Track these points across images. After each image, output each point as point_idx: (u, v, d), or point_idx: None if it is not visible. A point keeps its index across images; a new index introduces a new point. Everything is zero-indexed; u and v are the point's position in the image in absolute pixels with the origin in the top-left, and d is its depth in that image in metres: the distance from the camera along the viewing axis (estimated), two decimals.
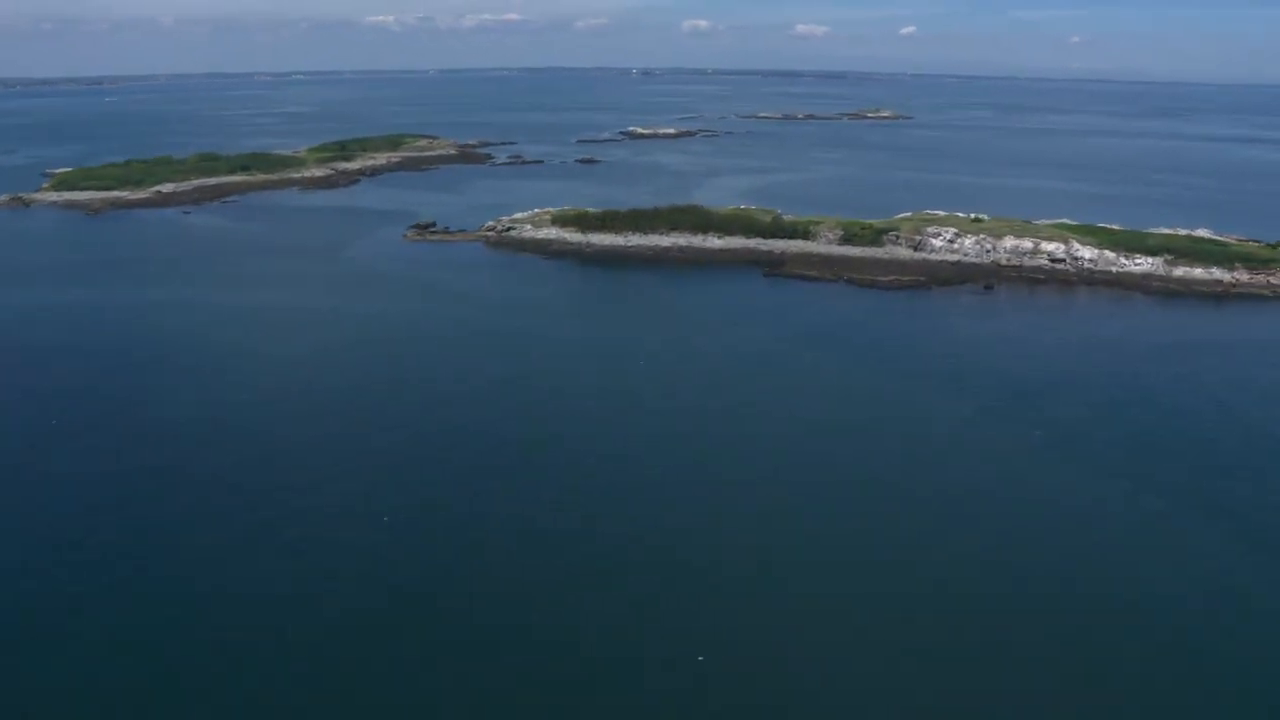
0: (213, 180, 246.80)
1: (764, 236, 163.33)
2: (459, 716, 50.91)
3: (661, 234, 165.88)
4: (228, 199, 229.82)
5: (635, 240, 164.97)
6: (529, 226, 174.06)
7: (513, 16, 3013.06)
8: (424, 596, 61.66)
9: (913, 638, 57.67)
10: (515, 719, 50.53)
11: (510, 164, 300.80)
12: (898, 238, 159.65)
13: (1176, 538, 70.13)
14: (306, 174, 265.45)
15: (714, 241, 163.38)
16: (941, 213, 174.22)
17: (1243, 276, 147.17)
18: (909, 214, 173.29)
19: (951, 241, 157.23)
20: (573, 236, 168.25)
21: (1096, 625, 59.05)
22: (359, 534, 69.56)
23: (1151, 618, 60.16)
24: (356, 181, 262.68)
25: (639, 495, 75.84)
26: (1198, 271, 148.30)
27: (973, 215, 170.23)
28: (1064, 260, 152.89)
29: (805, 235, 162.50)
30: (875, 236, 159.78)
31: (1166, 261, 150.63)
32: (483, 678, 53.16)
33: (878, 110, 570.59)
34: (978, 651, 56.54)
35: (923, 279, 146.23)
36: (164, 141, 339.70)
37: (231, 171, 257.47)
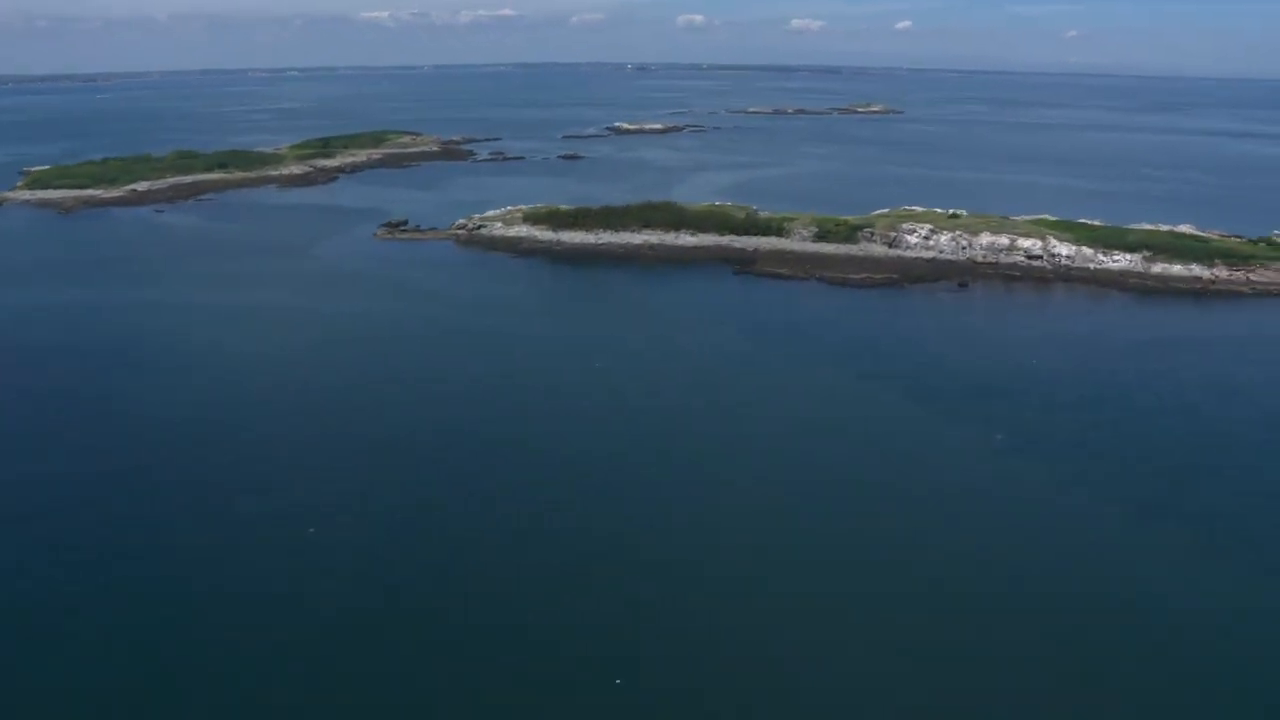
0: (189, 178, 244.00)
1: (737, 233, 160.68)
2: (449, 717, 50.90)
3: (634, 231, 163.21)
4: (203, 197, 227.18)
5: (606, 238, 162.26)
6: (499, 224, 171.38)
7: (508, 12, 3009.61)
8: (413, 595, 61.63)
9: (884, 635, 56.78)
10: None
11: (491, 160, 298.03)
12: (872, 234, 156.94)
13: (1145, 537, 67.89)
14: (284, 171, 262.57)
15: (686, 239, 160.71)
16: (920, 209, 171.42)
17: (1222, 273, 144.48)
18: (886, 210, 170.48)
19: (927, 238, 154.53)
20: (543, 234, 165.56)
21: (1064, 624, 57.48)
22: (336, 533, 68.84)
23: (1126, 617, 58.86)
24: (335, 179, 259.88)
25: (598, 493, 74.21)
26: (1176, 268, 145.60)
27: (950, 211, 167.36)
28: (1041, 257, 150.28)
29: (779, 232, 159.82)
30: (850, 233, 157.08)
31: (1145, 258, 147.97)
32: (473, 678, 53.26)
33: (869, 105, 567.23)
34: (950, 650, 55.20)
35: (896, 277, 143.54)
36: (151, 139, 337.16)
37: (209, 169, 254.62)
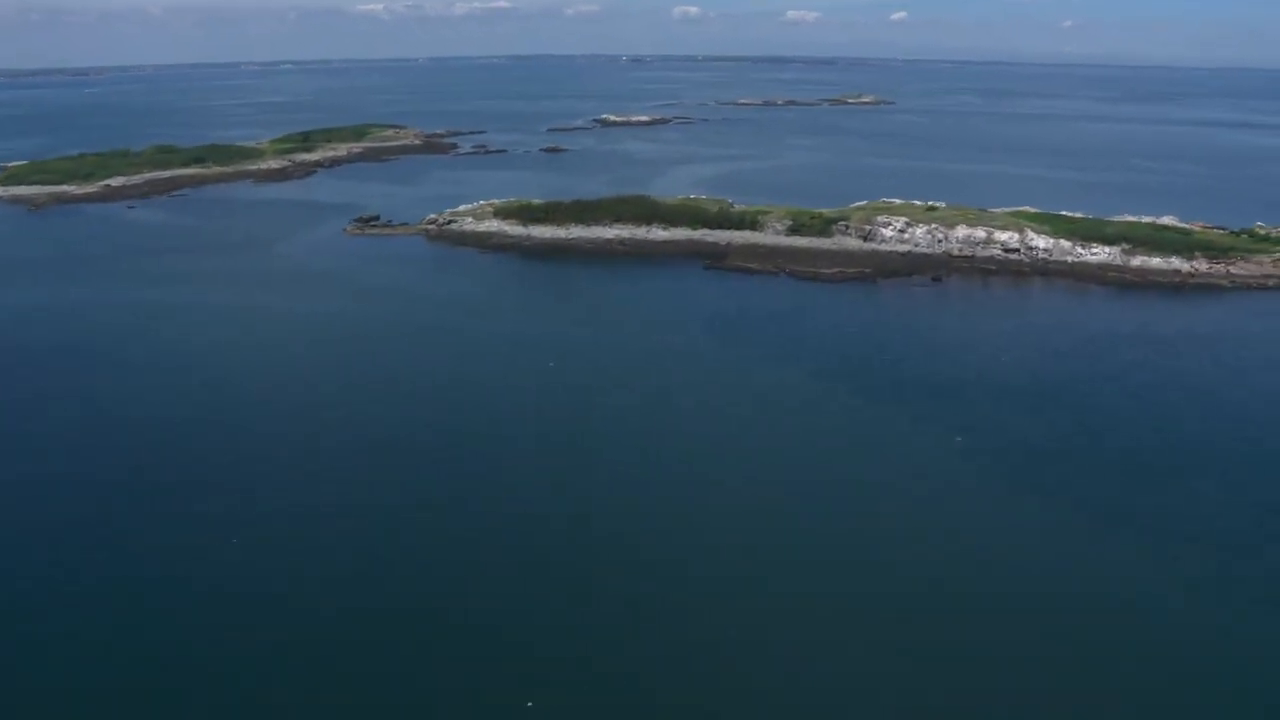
0: (166, 173, 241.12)
1: (710, 227, 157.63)
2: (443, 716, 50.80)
3: (605, 225, 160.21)
4: (177, 192, 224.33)
5: (577, 232, 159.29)
6: (470, 219, 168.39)
7: (502, 4, 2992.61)
8: (394, 596, 61.02)
9: (854, 634, 56.30)
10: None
11: (473, 154, 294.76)
12: (847, 228, 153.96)
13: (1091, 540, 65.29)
14: (262, 166, 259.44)
15: (659, 233, 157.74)
16: (898, 201, 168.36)
17: (1201, 266, 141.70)
18: (864, 203, 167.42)
19: (902, 231, 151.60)
20: (513, 229, 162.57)
21: (1034, 623, 55.59)
22: (304, 533, 68.09)
23: (1091, 617, 57.90)
24: (313, 173, 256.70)
25: (551, 492, 71.77)
26: (1155, 261, 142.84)
27: (929, 204, 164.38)
28: (1018, 250, 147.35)
29: (753, 226, 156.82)
30: (824, 227, 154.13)
31: (1124, 251, 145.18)
32: (464, 679, 52.99)
33: (860, 96, 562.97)
34: (920, 650, 53.68)
35: (869, 271, 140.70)
36: (134, 133, 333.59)
37: (186, 164, 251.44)
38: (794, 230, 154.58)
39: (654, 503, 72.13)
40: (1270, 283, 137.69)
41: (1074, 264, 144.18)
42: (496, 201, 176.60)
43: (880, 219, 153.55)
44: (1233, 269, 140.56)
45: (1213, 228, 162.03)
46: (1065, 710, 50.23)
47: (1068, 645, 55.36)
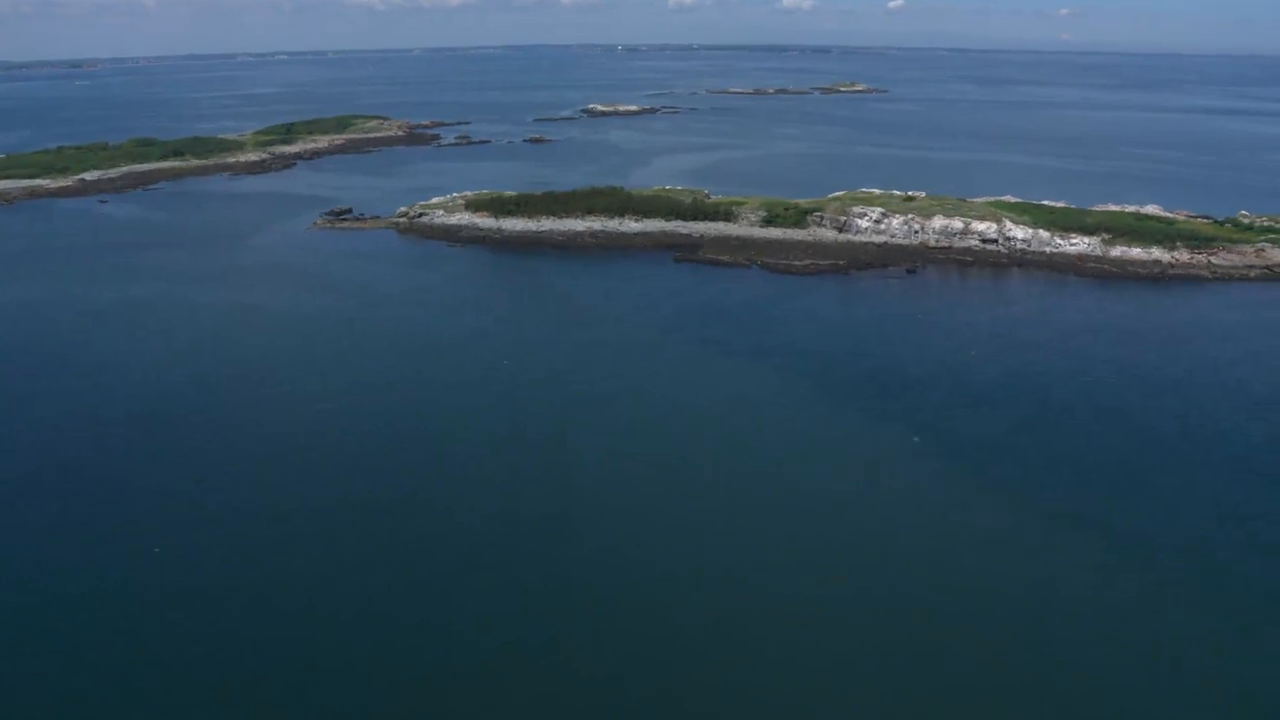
0: (143, 167, 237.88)
1: (684, 219, 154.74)
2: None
3: (577, 218, 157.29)
4: (153, 186, 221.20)
5: (549, 225, 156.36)
6: (441, 212, 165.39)
7: None
8: (351, 597, 59.79)
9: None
10: None
11: (456, 145, 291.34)
12: (822, 218, 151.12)
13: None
14: (241, 158, 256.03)
15: (631, 225, 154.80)
16: (878, 191, 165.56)
17: (1183, 257, 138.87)
18: (841, 193, 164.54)
19: (878, 222, 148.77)
20: (484, 222, 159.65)
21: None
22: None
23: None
24: (292, 165, 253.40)
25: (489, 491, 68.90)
26: (1135, 252, 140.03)
27: (908, 193, 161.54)
28: (996, 241, 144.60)
29: (727, 217, 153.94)
30: (799, 218, 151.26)
31: (1103, 241, 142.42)
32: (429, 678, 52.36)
33: (852, 85, 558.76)
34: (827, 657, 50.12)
35: (842, 263, 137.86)
36: (120, 126, 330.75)
37: (164, 157, 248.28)
38: (768, 221, 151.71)
39: (613, 499, 70.17)
40: (1252, 274, 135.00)
41: (1052, 255, 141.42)
42: (469, 194, 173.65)
43: (856, 210, 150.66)
44: (1214, 259, 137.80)
45: (1197, 217, 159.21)
46: (1023, 710, 48.84)
47: (1022, 647, 53.86)
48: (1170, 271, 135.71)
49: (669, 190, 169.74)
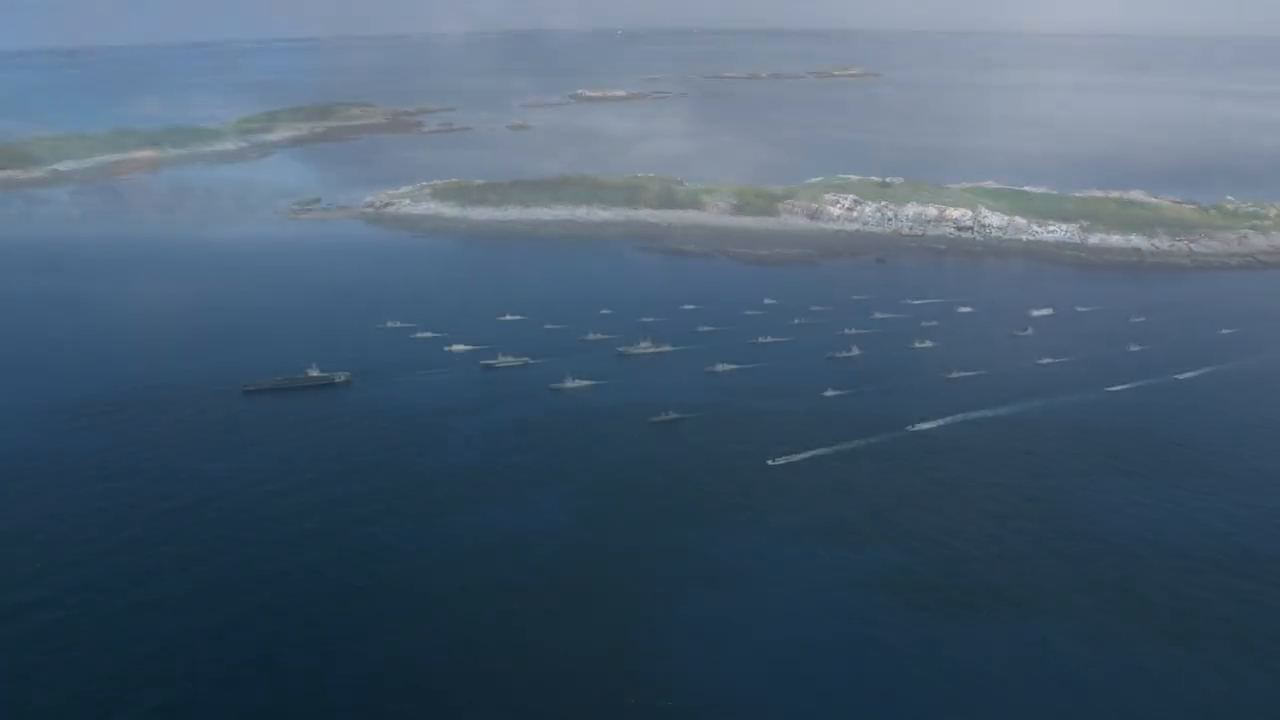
0: (118, 156, 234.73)
1: (652, 207, 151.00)
2: None
3: (544, 206, 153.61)
4: (126, 176, 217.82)
5: (514, 214, 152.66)
6: (408, 201, 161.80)
7: None
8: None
9: None
10: None
11: (438, 132, 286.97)
12: (794, 206, 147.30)
13: None
14: (218, 147, 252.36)
15: (598, 213, 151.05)
16: (854, 177, 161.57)
17: (1163, 244, 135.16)
18: (817, 179, 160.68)
19: (850, 209, 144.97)
20: (450, 211, 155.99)
21: None
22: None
23: None
24: (270, 154, 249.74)
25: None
26: (1115, 239, 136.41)
27: (884, 179, 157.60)
28: (971, 228, 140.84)
29: (696, 205, 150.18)
30: (769, 206, 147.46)
31: (1082, 228, 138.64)
32: None
33: (846, 69, 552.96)
34: None
35: (811, 252, 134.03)
36: (106, 115, 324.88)
37: (141, 146, 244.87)
38: (739, 209, 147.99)
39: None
40: (1233, 262, 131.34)
41: (1029, 242, 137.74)
42: (438, 182, 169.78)
43: (828, 197, 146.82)
44: (1195, 246, 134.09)
45: (1182, 203, 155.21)
46: None
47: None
48: (1149, 260, 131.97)
49: (639, 178, 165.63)
